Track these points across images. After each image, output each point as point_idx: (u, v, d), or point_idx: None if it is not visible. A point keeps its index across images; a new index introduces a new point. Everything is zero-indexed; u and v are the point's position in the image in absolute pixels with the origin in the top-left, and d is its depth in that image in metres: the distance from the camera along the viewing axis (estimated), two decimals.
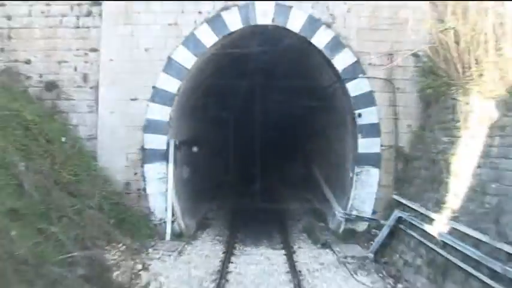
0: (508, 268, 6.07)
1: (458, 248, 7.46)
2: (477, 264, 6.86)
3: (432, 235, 8.51)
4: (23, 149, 8.94)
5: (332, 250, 10.86)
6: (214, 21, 11.71)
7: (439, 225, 8.42)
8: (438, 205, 8.86)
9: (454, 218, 8.06)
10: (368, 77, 11.64)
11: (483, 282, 6.60)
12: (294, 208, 16.28)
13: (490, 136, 7.89)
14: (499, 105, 7.88)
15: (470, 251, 7.08)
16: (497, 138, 7.62)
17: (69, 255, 7.32)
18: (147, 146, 11.66)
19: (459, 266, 7.34)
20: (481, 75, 8.78)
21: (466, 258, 7.19)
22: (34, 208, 7.72)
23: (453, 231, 7.90)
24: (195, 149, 14.01)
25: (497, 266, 6.26)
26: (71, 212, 8.46)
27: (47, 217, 7.86)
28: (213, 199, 17.17)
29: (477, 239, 7.07)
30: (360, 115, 11.65)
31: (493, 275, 6.37)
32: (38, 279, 6.39)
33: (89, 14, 12.26)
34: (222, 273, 9.18)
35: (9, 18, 12.42)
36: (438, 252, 8.15)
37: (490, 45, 8.81)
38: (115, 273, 7.99)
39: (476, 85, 8.76)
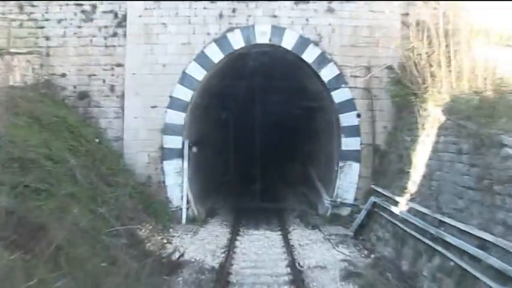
0: (439, 230, 8.34)
1: (412, 221, 9.73)
2: (424, 232, 9.12)
3: (396, 214, 10.78)
4: (70, 148, 11.21)
5: (320, 230, 13.13)
6: (221, 41, 14.01)
7: (401, 206, 10.70)
8: (402, 190, 11.14)
9: (411, 199, 10.35)
10: (349, 87, 13.94)
11: (427, 244, 8.86)
12: (290, 200, 18.56)
13: (437, 135, 10.14)
14: (444, 111, 10.14)
15: (419, 223, 9.35)
16: (442, 137, 9.88)
17: (114, 228, 9.60)
18: (165, 146, 13.95)
19: (412, 235, 9.61)
20: (434, 87, 11.06)
21: (417, 228, 9.46)
22: (85, 194, 9.99)
23: (410, 209, 10.18)
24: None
25: (433, 230, 8.54)
26: (111, 198, 10.74)
27: (95, 201, 10.13)
28: (219, 191, 19.43)
29: (424, 213, 9.35)
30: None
31: (431, 237, 8.64)
32: (96, 244, 8.66)
33: (114, 34, 14.55)
34: (230, 247, 11.45)
35: (47, 38, 14.72)
36: (399, 227, 10.42)
37: (442, 62, 11.10)
38: (147, 245, 10.27)
39: (431, 95, 11.04)
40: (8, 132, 9.33)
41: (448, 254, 7.82)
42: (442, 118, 10.16)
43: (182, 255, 10.26)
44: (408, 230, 9.85)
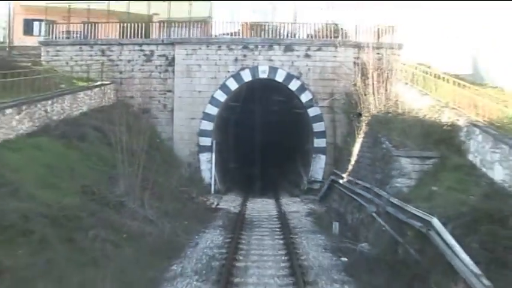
0: (355, 188, 15.96)
1: (346, 186, 17.34)
2: (350, 190, 16.70)
3: (341, 183, 18.39)
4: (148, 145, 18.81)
5: (299, 197, 20.79)
6: (236, 76, 21.66)
7: (344, 179, 18.33)
8: (346, 170, 18.75)
9: (348, 175, 17.97)
10: (319, 106, 21.58)
11: (351, 196, 16.42)
12: (285, 186, 26.17)
13: (362, 138, 17.77)
14: (366, 124, 17.75)
15: (349, 186, 16.94)
16: (363, 139, 17.50)
17: (181, 188, 17.22)
18: (200, 144, 21.59)
19: (346, 193, 17.22)
20: (365, 108, 18.65)
21: (348, 189, 17.04)
22: (160, 172, 17.56)
23: (347, 180, 17.80)
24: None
25: (353, 188, 16.17)
26: (174, 174, 18.36)
27: (166, 175, 17.72)
28: (233, 174, 27.02)
29: (351, 180, 16.97)
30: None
31: (352, 192, 16.24)
32: (178, 194, 16.26)
33: (166, 71, 22.20)
34: (243, 204, 19.09)
35: (120, 72, 22.37)
36: (342, 190, 18.03)
37: (371, 93, 18.67)
38: (196, 200, 17.91)
39: (362, 113, 18.63)
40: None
41: (357, 198, 15.46)
42: (365, 128, 17.82)
43: (217, 205, 17.94)
44: (345, 191, 17.49)
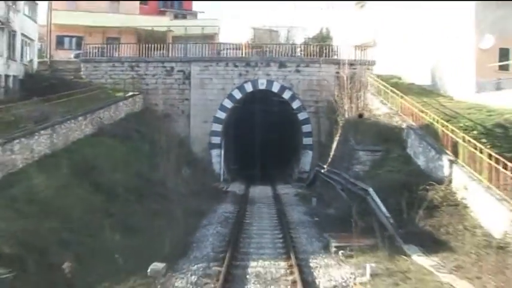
0: (331, 174, 21.31)
1: (326, 174, 22.67)
2: (328, 177, 22.03)
3: (322, 172, 23.73)
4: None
5: (290, 184, 26.17)
6: (240, 88, 27.01)
7: (325, 169, 23.67)
8: (326, 162, 24.10)
9: (328, 166, 23.32)
10: (307, 112, 26.93)
11: (328, 181, 21.75)
12: (280, 176, 31.53)
13: (339, 137, 23.12)
14: (341, 126, 23.11)
15: (328, 174, 22.28)
16: (339, 138, 22.83)
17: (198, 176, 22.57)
18: (211, 142, 26.94)
19: (326, 180, 22.54)
20: (341, 114, 23.99)
21: (327, 176, 22.36)
22: (183, 163, 22.89)
23: (327, 170, 23.13)
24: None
25: (329, 175, 21.53)
26: (192, 167, 23.68)
27: (187, 166, 23.04)
28: (238, 168, 32.38)
29: (329, 169, 22.31)
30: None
31: (329, 177, 21.58)
32: (198, 179, 21.60)
33: (184, 83, 27.54)
34: (246, 189, 24.46)
35: (146, 84, 27.70)
36: (323, 178, 23.36)
37: (346, 102, 24.00)
38: (210, 185, 23.22)
39: (340, 118, 23.97)
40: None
41: (331, 181, 20.77)
42: (340, 130, 23.21)
43: (227, 189, 23.31)
44: (324, 177, 22.82)
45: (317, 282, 9.31)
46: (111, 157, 17.55)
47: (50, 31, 33.05)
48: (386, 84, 22.77)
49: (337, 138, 23.60)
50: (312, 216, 16.73)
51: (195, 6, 54.69)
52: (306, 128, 27.03)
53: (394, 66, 28.92)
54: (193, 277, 9.26)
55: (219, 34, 43.24)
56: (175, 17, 47.71)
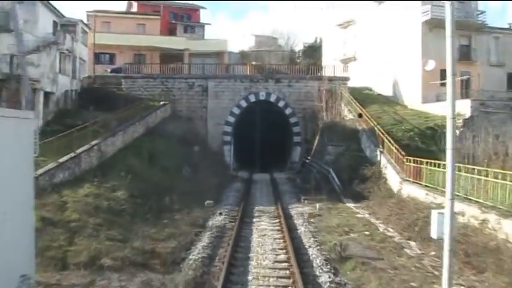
0: (312, 164, 29.72)
1: (309, 163, 31.04)
2: (310, 166, 30.41)
3: (307, 163, 32.10)
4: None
5: (284, 172, 34.59)
6: (246, 98, 35.44)
7: (308, 159, 32.06)
8: (310, 155, 32.47)
9: (311, 157, 31.70)
10: (296, 117, 35.37)
11: (310, 169, 30.13)
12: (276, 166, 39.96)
13: (318, 137, 31.50)
14: (321, 128, 31.50)
15: (311, 163, 30.66)
16: (319, 137, 31.21)
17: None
18: (224, 140, 35.36)
19: (309, 168, 30.96)
20: (321, 119, 32.34)
21: (310, 165, 30.74)
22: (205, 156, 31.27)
23: (310, 160, 31.51)
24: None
25: (311, 164, 29.94)
26: (210, 158, 32.08)
27: (208, 159, 31.42)
28: (244, 160, 40.80)
29: (313, 160, 30.71)
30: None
31: (311, 166, 29.98)
32: (216, 168, 30.02)
33: (202, 95, 35.95)
34: (250, 175, 32.90)
35: (173, 95, 36.12)
36: (307, 166, 31.75)
37: (325, 110, 32.38)
38: (224, 173, 31.63)
39: (320, 122, 32.35)
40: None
41: (311, 168, 29.18)
42: (320, 131, 31.62)
43: (236, 175, 31.78)
44: (308, 166, 31.22)
45: (291, 212, 17.80)
46: (163, 150, 25.97)
47: (94, 51, 41.59)
48: (352, 97, 31.24)
49: (317, 137, 32.01)
50: (294, 189, 25.22)
51: (203, 18, 61.45)
52: (295, 129, 35.45)
53: (367, 79, 37.61)
54: (226, 207, 17.89)
55: (227, 49, 51.86)
56: (185, 29, 55.13)
